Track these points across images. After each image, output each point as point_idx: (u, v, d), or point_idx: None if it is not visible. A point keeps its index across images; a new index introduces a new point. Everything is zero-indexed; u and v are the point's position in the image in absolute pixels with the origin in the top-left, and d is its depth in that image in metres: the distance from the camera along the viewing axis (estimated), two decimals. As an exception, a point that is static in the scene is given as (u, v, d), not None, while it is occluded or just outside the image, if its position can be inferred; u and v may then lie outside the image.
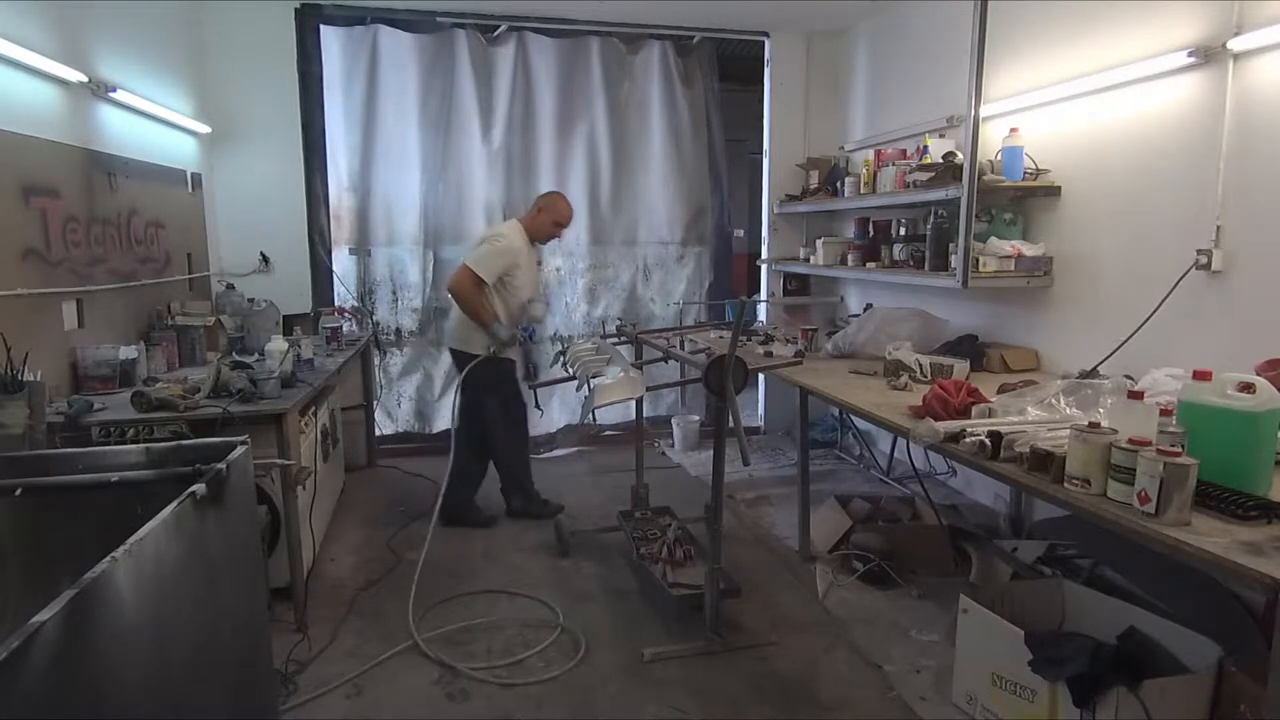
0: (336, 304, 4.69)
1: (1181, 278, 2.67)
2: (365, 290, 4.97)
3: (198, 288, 4.15)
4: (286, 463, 2.70)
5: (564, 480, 4.53)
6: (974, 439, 2.08)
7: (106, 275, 3.15)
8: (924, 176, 3.59)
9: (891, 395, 2.88)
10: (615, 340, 3.77)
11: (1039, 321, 3.46)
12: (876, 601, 3.06)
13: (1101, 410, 2.09)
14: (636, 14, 4.89)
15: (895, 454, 4.51)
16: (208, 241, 4.37)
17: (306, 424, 3.22)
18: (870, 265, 4.20)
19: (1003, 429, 2.09)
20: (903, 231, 4.01)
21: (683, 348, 3.48)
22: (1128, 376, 2.53)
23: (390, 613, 2.97)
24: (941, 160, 3.53)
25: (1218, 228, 2.61)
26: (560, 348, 3.74)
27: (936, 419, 2.29)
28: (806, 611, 3.02)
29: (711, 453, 2.78)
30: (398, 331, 5.07)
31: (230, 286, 4.37)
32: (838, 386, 3.06)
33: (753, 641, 2.77)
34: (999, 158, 3.31)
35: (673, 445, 5.32)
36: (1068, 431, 1.88)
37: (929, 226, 3.57)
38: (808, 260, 4.87)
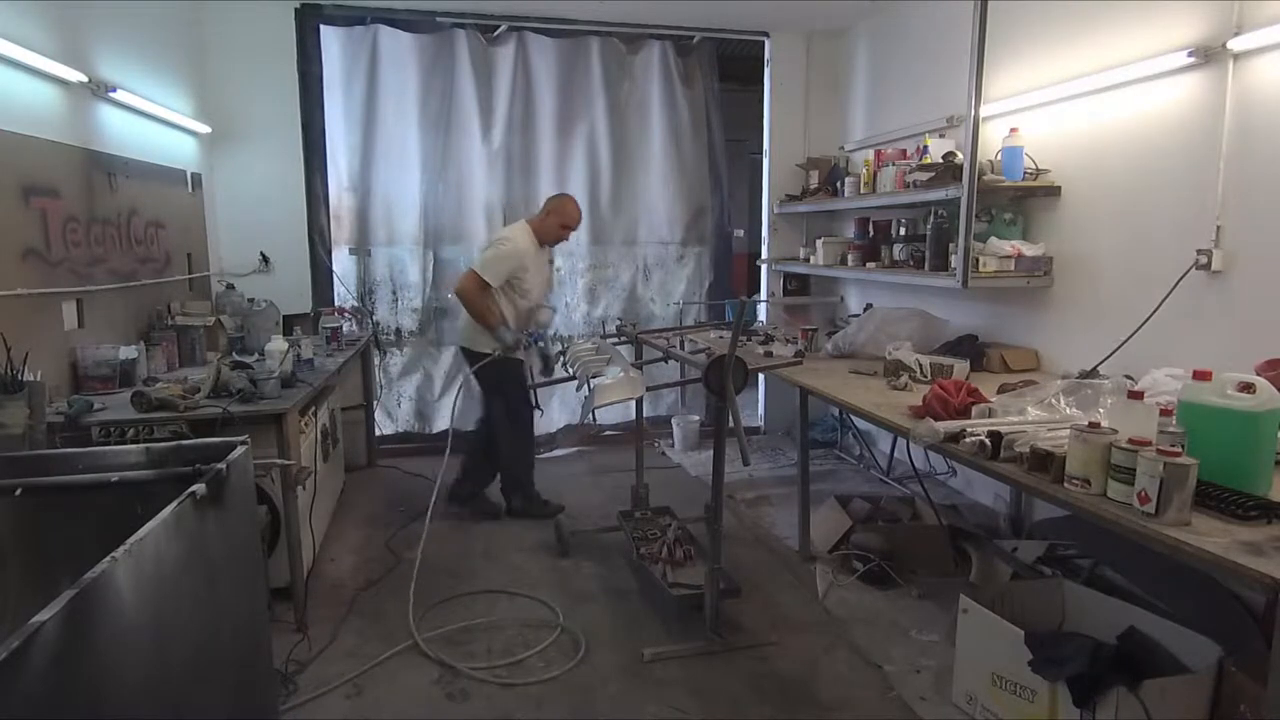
0: (336, 304, 4.69)
1: (1181, 278, 2.67)
2: (365, 290, 4.97)
3: (198, 288, 4.15)
4: (286, 463, 2.70)
5: (564, 480, 4.53)
6: (974, 439, 2.08)
7: (106, 275, 3.15)
8: (924, 176, 3.59)
9: (891, 395, 2.88)
10: (615, 340, 3.77)
11: (1039, 321, 3.46)
12: (876, 601, 3.06)
13: (1101, 410, 2.09)
14: (636, 14, 4.89)
15: (895, 454, 4.51)
16: (208, 241, 4.37)
17: (306, 424, 3.22)
18: (870, 265, 4.20)
19: (1003, 429, 2.09)
20: (903, 231, 4.01)
21: (683, 348, 3.48)
22: (1128, 376, 2.53)
23: (390, 613, 2.97)
24: (941, 160, 3.53)
25: (1218, 228, 2.61)
26: (560, 348, 3.75)
27: (936, 419, 2.29)
28: (806, 611, 3.02)
29: (711, 453, 2.79)
30: (398, 331, 5.07)
31: (230, 286, 4.37)
32: (838, 386, 3.06)
33: (753, 641, 2.77)
34: (999, 158, 3.31)
35: (673, 445, 5.32)
36: (1068, 431, 1.88)
37: (929, 226, 3.57)
38: (808, 260, 4.87)
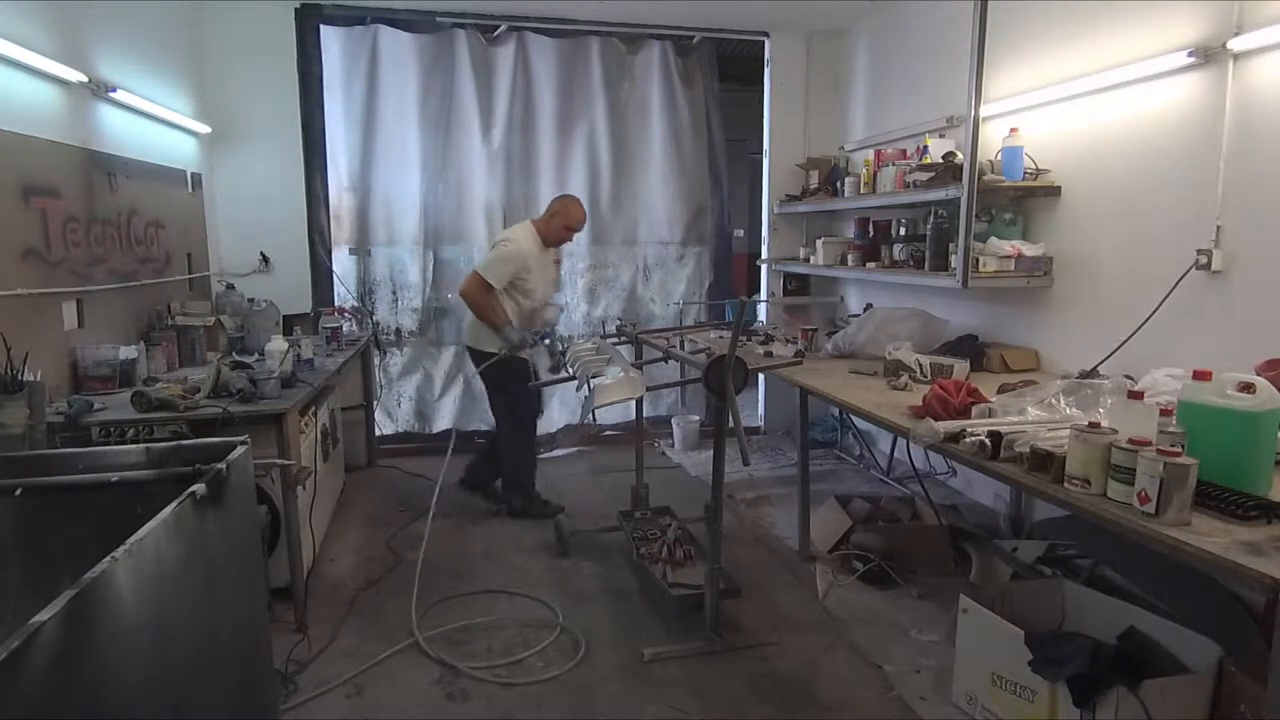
0: (336, 304, 4.69)
1: (1181, 278, 2.67)
2: (365, 290, 4.97)
3: (198, 288, 4.15)
4: (286, 463, 2.70)
5: (564, 480, 4.53)
6: (974, 439, 2.08)
7: (106, 275, 3.15)
8: (924, 176, 3.59)
9: (891, 395, 2.88)
10: (615, 340, 3.77)
11: (1039, 321, 3.46)
12: (876, 601, 3.06)
13: (1101, 410, 2.09)
14: (636, 14, 4.89)
15: (895, 454, 4.51)
16: (208, 241, 4.37)
17: (306, 424, 3.22)
18: (870, 265, 4.20)
19: (1003, 429, 2.09)
20: (903, 231, 4.01)
21: (683, 348, 3.48)
22: (1128, 376, 2.53)
23: (390, 613, 2.97)
24: (941, 160, 3.53)
25: (1218, 228, 2.61)
26: (561, 348, 3.76)
27: (936, 419, 2.29)
28: (806, 611, 3.02)
29: (711, 453, 2.79)
30: (398, 331, 5.07)
31: (230, 286, 4.37)
32: (838, 386, 3.06)
33: (753, 641, 2.77)
34: (999, 158, 3.31)
35: (673, 445, 5.32)
36: (1068, 431, 1.88)
37: (929, 226, 3.57)
38: (808, 260, 4.87)
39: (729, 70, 5.53)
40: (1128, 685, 1.90)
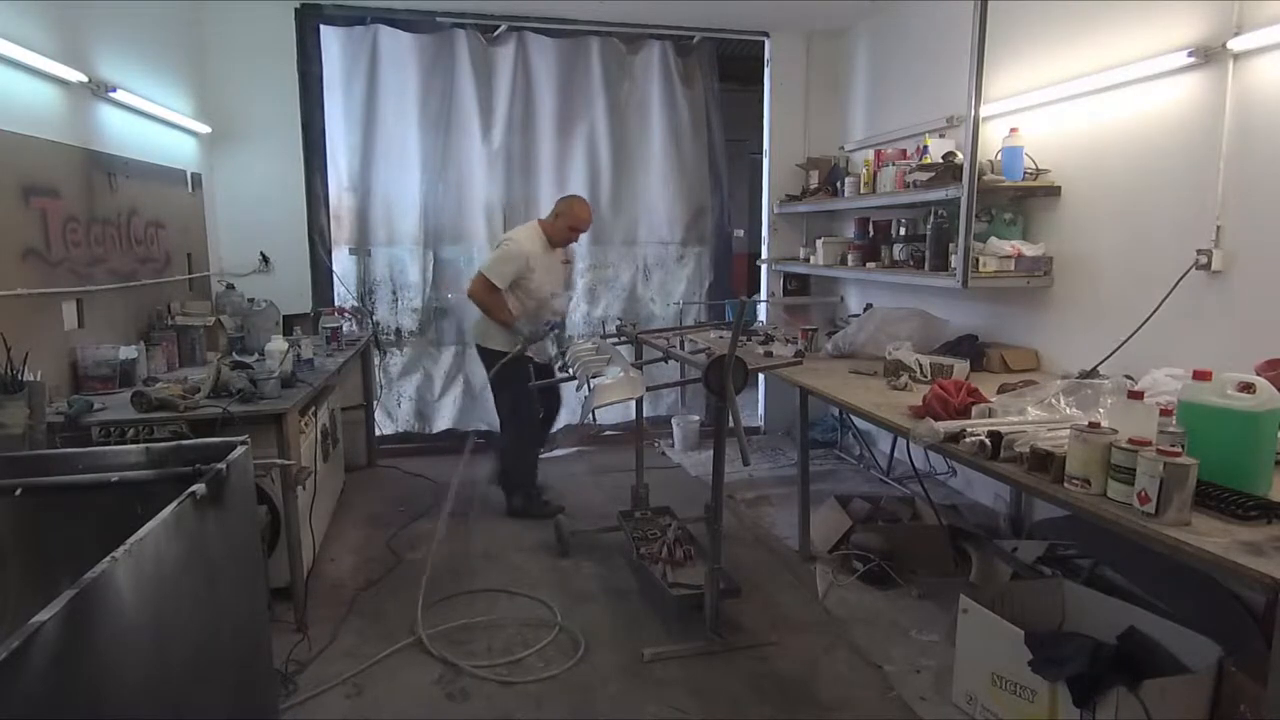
0: (336, 304, 4.69)
1: (1181, 278, 2.67)
2: (365, 290, 4.97)
3: (198, 288, 4.15)
4: (286, 463, 2.70)
5: (564, 480, 4.53)
6: (974, 439, 2.08)
7: (106, 275, 3.15)
8: (924, 176, 3.59)
9: (891, 395, 2.88)
10: (615, 340, 3.77)
11: (1039, 321, 3.46)
12: (876, 601, 3.06)
13: (1101, 410, 2.09)
14: (636, 14, 4.89)
15: (895, 454, 4.51)
16: (208, 241, 4.37)
17: (306, 424, 3.22)
18: (870, 265, 4.20)
19: (1003, 429, 2.09)
20: (903, 231, 4.01)
21: (683, 348, 3.48)
22: (1128, 376, 2.53)
23: (390, 613, 2.97)
24: (941, 160, 3.53)
25: (1218, 228, 2.61)
26: (562, 348, 3.76)
27: (936, 419, 2.29)
28: (806, 611, 3.02)
29: (711, 453, 2.79)
30: (398, 331, 5.07)
31: (230, 286, 4.37)
32: (838, 386, 3.06)
33: (753, 641, 2.77)
34: (999, 158, 3.31)
35: (673, 445, 5.32)
36: (1068, 431, 1.88)
37: (929, 226, 3.57)
38: (808, 260, 4.87)
39: (729, 70, 5.53)
40: (1128, 685, 1.90)
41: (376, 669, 2.61)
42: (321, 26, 4.64)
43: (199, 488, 1.59)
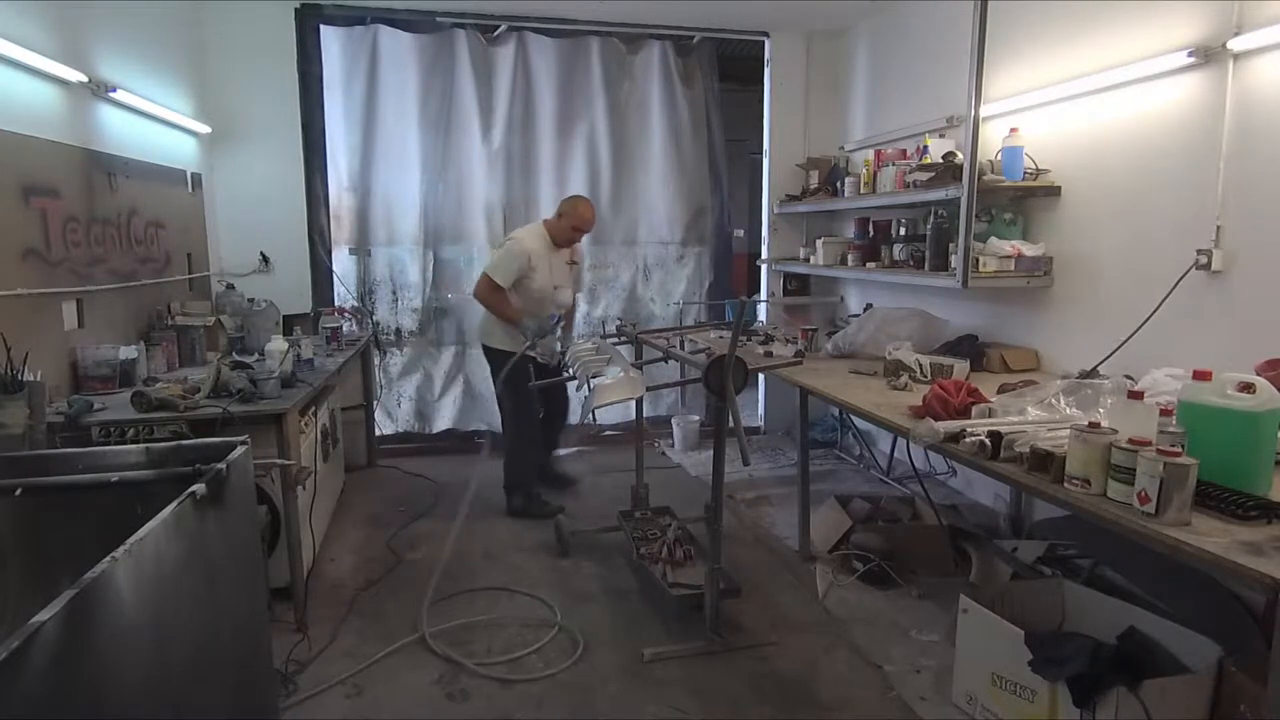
0: (336, 304, 4.69)
1: (1181, 278, 2.67)
2: (365, 290, 4.97)
3: (198, 288, 4.15)
4: (286, 463, 2.70)
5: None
6: (974, 439, 2.08)
7: (106, 275, 3.15)
8: (924, 176, 3.59)
9: (891, 395, 2.88)
10: (615, 340, 3.77)
11: (1039, 321, 3.46)
12: (876, 601, 3.06)
13: (1101, 410, 2.09)
14: (636, 14, 4.89)
15: (895, 454, 4.51)
16: (208, 241, 4.37)
17: (306, 424, 3.22)
18: (870, 265, 4.20)
19: (1003, 429, 2.09)
20: (903, 231, 4.01)
21: (683, 348, 3.48)
22: (1128, 376, 2.53)
23: (390, 613, 2.97)
24: (941, 160, 3.53)
25: (1218, 228, 2.61)
26: (560, 348, 3.76)
27: (936, 419, 2.29)
28: (806, 611, 3.02)
29: (711, 453, 2.79)
30: (398, 331, 5.07)
31: (230, 286, 4.37)
32: (838, 386, 3.06)
33: (753, 641, 2.77)
34: (999, 158, 3.31)
35: (673, 445, 5.32)
36: (1068, 431, 1.88)
37: (929, 226, 3.57)
38: (808, 260, 4.87)
39: (729, 70, 5.53)
40: (1128, 685, 1.90)
41: (377, 669, 2.61)
42: (321, 26, 4.63)
43: (199, 488, 1.59)
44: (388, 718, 2.38)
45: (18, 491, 1.71)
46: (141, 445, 1.89)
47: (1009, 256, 3.27)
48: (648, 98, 5.20)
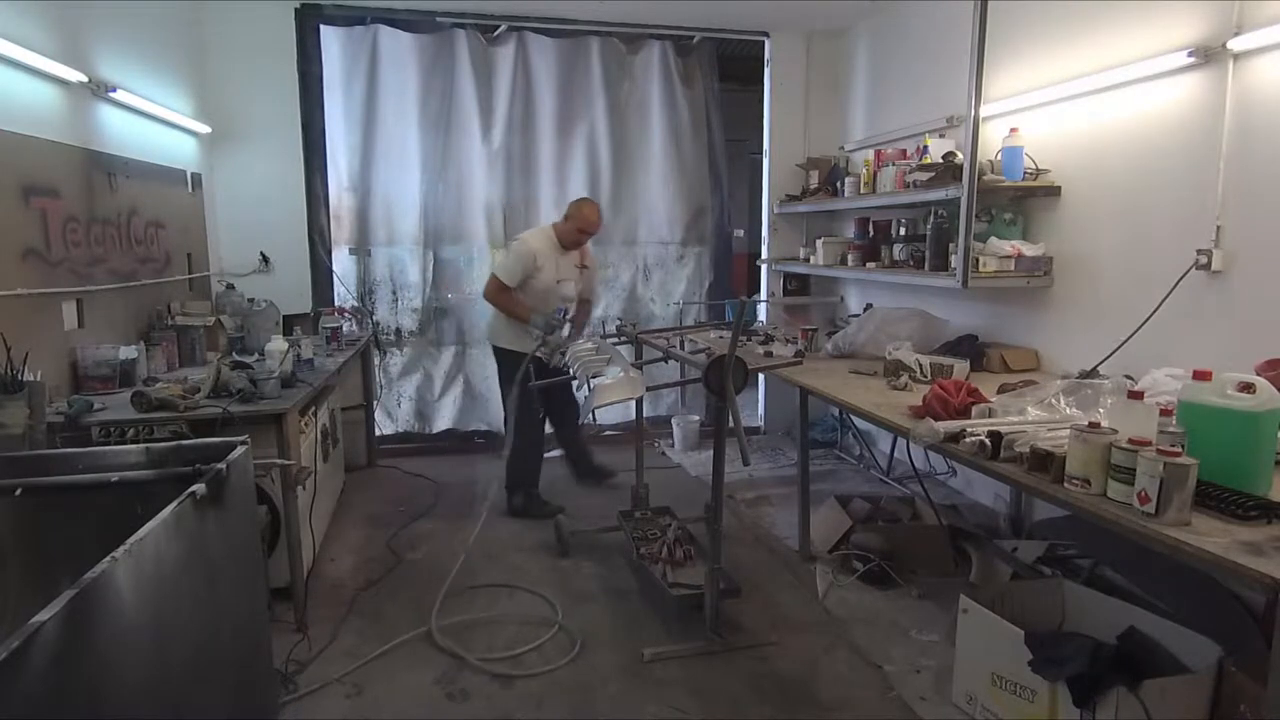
0: (336, 304, 4.69)
1: (1181, 278, 2.67)
2: (365, 290, 4.97)
3: (198, 288, 4.15)
4: (286, 463, 2.70)
5: (564, 480, 4.52)
6: (974, 439, 2.08)
7: (106, 275, 3.15)
8: (924, 176, 3.59)
9: (891, 395, 2.88)
10: (615, 340, 3.77)
11: (1039, 321, 3.46)
12: (876, 601, 3.05)
13: (1101, 410, 2.09)
14: (636, 14, 4.89)
15: (895, 454, 4.51)
16: (208, 241, 4.37)
17: (306, 424, 3.22)
18: (870, 265, 4.20)
19: (1003, 429, 2.09)
20: (903, 231, 4.01)
21: (683, 348, 3.48)
22: (1128, 376, 2.53)
23: (390, 613, 2.97)
24: (941, 160, 3.53)
25: (1218, 228, 2.61)
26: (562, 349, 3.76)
27: (936, 419, 2.29)
28: (806, 611, 3.02)
29: (711, 453, 2.79)
30: (398, 331, 5.08)
31: (230, 286, 4.37)
32: (838, 386, 3.06)
33: (753, 641, 2.77)
34: (999, 158, 3.31)
35: (673, 445, 5.32)
36: (1068, 431, 1.88)
37: (929, 226, 3.57)
38: (808, 260, 4.87)
39: (729, 70, 5.53)
40: (1128, 685, 1.90)
41: (377, 670, 2.61)
42: (321, 26, 4.64)
43: (199, 488, 1.59)
44: (387, 718, 2.38)
45: (18, 491, 1.71)
46: (141, 445, 1.89)
47: (1009, 256, 3.27)
48: (648, 98, 5.20)
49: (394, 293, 5.03)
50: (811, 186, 5.03)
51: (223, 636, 1.71)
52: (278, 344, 3.20)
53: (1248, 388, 1.74)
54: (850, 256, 4.40)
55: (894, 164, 4.04)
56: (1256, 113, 2.49)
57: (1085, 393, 2.25)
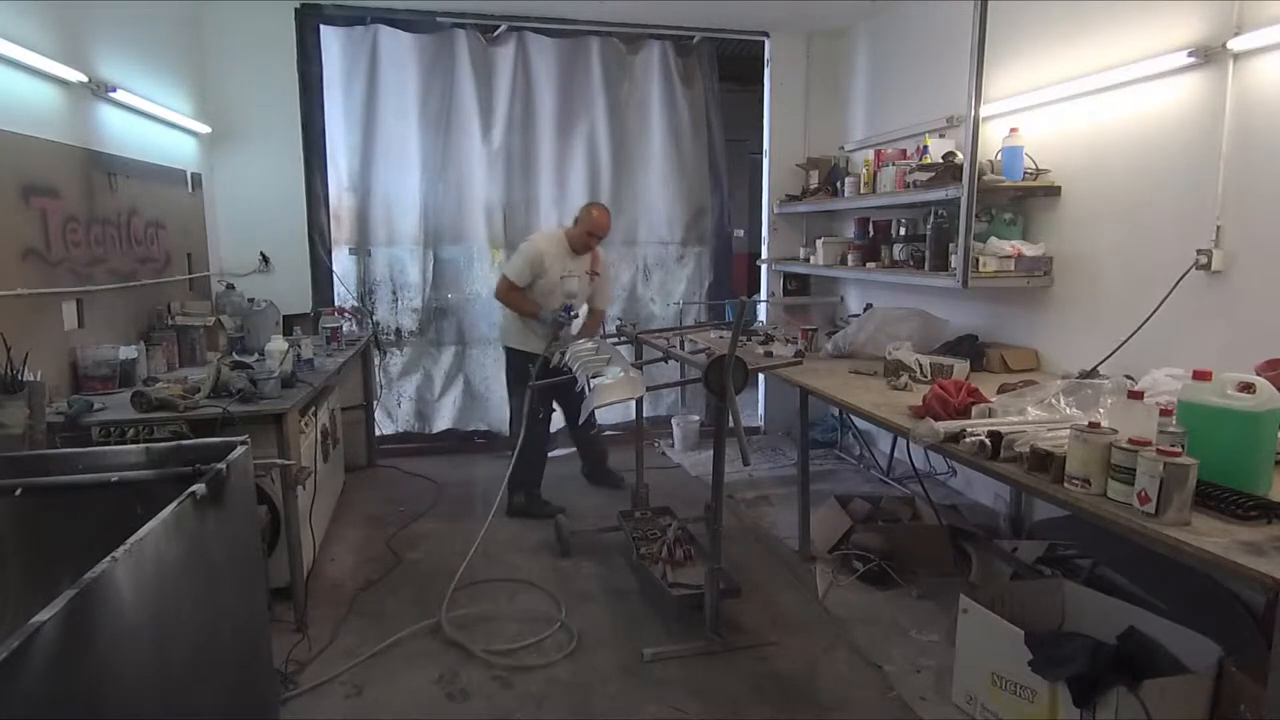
0: (336, 304, 4.69)
1: (1181, 278, 2.67)
2: (365, 290, 4.97)
3: (198, 288, 4.15)
4: (286, 463, 2.70)
5: (564, 480, 4.51)
6: (974, 439, 2.08)
7: (106, 275, 3.15)
8: (924, 176, 3.59)
9: (891, 395, 2.88)
10: (615, 340, 3.77)
11: (1039, 321, 3.46)
12: (876, 601, 3.05)
13: (1101, 410, 2.09)
14: (636, 14, 4.89)
15: (895, 454, 4.51)
16: (208, 241, 4.37)
17: (306, 424, 3.22)
18: (870, 265, 4.20)
19: (1003, 429, 2.09)
20: (903, 231, 4.01)
21: (683, 348, 3.48)
22: (1128, 376, 2.53)
23: (390, 613, 2.97)
24: (941, 160, 3.53)
25: (1218, 228, 2.61)
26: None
27: (936, 419, 2.29)
28: (806, 611, 3.02)
29: (711, 453, 2.79)
30: (398, 331, 5.07)
31: (230, 286, 4.37)
32: (838, 386, 3.06)
33: (753, 641, 2.77)
34: (999, 158, 3.31)
35: (673, 445, 5.32)
36: (1068, 431, 1.88)
37: (929, 226, 3.57)
38: (808, 260, 4.87)
39: (729, 70, 5.53)
40: (1128, 685, 1.90)
41: (377, 670, 2.61)
42: (321, 26, 4.63)
43: (199, 488, 1.59)
44: (387, 718, 2.38)
45: (18, 491, 1.71)
46: (141, 445, 1.89)
47: (1009, 256, 3.27)
48: (648, 98, 5.20)
49: (394, 293, 5.03)
50: (811, 186, 5.03)
51: (223, 636, 1.71)
52: (278, 344, 3.20)
53: (1248, 388, 1.75)
54: (850, 256, 4.40)
55: (894, 164, 4.04)
56: (1256, 113, 2.49)
57: (1085, 393, 2.25)
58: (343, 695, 2.47)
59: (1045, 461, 1.91)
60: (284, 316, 4.12)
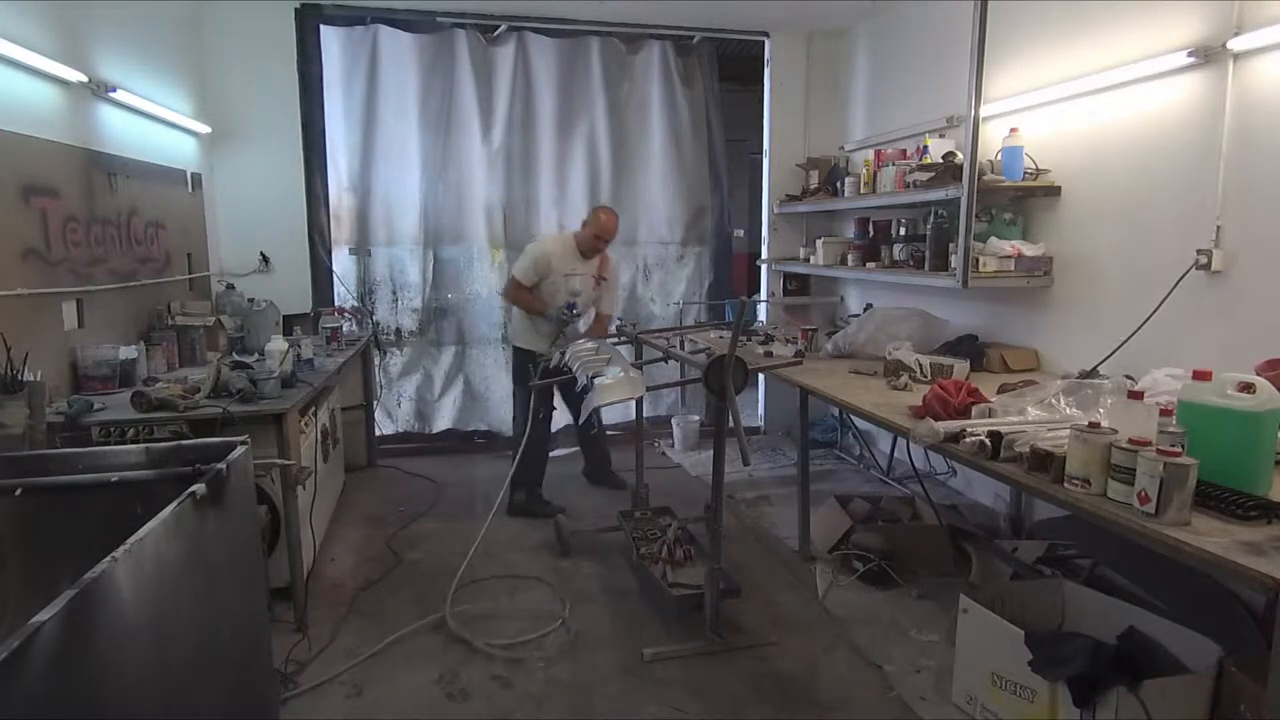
0: (336, 304, 4.69)
1: (1181, 278, 2.67)
2: (365, 290, 4.97)
3: (198, 288, 4.15)
4: (286, 463, 2.70)
5: (564, 480, 4.51)
6: (974, 439, 2.08)
7: (106, 275, 3.15)
8: (924, 176, 3.59)
9: (891, 395, 2.88)
10: (615, 340, 3.77)
11: (1039, 321, 3.46)
12: (876, 601, 3.05)
13: (1101, 410, 2.09)
14: (636, 14, 4.89)
15: (895, 454, 4.51)
16: (208, 241, 4.37)
17: (306, 424, 3.22)
18: (870, 265, 4.20)
19: (1003, 429, 2.09)
20: (903, 231, 4.01)
21: (683, 348, 3.48)
22: (1128, 376, 2.53)
23: (390, 613, 2.97)
24: (941, 160, 3.53)
25: (1218, 228, 2.61)
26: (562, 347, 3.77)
27: (936, 419, 2.29)
28: (806, 611, 3.02)
29: (711, 453, 2.79)
30: (398, 331, 5.07)
31: (230, 286, 4.37)
32: (838, 386, 3.06)
33: (753, 641, 2.77)
34: (999, 158, 3.31)
35: (673, 445, 5.32)
36: (1068, 431, 1.88)
37: (929, 226, 3.57)
38: (808, 260, 4.87)
39: (729, 70, 5.53)
40: (1128, 685, 1.90)
41: (377, 670, 2.61)
42: (321, 26, 4.63)
43: (199, 488, 1.59)
44: (387, 718, 2.38)
45: (18, 491, 1.71)
46: (141, 445, 1.89)
47: (1009, 256, 3.27)
48: (648, 98, 5.20)
49: (394, 293, 5.03)
50: (811, 186, 5.03)
51: (223, 636, 1.71)
52: (278, 344, 3.20)
53: (1248, 388, 1.75)
54: (850, 256, 4.40)
55: (894, 164, 4.04)
56: (1256, 113, 2.49)
57: (1085, 393, 2.25)
58: (343, 695, 2.47)
59: (1045, 461, 1.91)
60: (284, 316, 4.12)
